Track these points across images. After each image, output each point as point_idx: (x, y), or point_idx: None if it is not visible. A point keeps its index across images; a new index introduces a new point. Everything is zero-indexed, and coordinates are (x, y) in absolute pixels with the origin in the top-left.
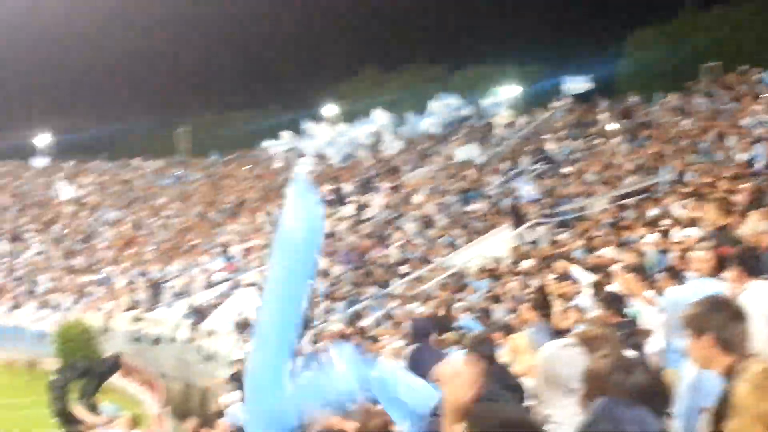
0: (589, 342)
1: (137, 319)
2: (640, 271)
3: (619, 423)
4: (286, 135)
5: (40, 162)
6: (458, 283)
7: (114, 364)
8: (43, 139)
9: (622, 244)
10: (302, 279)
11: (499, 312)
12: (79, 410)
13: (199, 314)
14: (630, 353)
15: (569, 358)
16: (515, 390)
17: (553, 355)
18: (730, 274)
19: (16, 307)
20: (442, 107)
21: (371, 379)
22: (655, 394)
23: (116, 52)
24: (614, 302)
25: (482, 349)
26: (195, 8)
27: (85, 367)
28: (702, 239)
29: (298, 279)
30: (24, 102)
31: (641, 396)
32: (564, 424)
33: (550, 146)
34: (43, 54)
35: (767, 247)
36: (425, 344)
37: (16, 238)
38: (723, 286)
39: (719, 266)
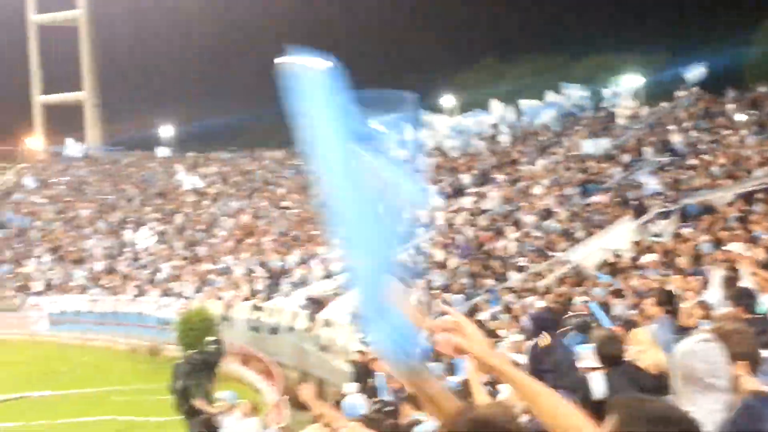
0: (725, 337)
1: (256, 308)
2: None
3: (763, 422)
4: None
5: (163, 152)
6: (578, 277)
7: (220, 351)
8: (166, 130)
9: (751, 240)
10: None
11: (619, 307)
12: (200, 403)
13: (317, 304)
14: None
15: (706, 354)
16: (643, 387)
17: (691, 350)
18: None
19: (139, 294)
20: (563, 97)
21: None
22: None
23: (239, 42)
24: (744, 298)
25: (611, 348)
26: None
27: (202, 360)
28: None
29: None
30: (149, 93)
31: None
32: (702, 420)
33: (675, 137)
34: (168, 46)
35: None
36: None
37: (139, 226)
38: None
39: None
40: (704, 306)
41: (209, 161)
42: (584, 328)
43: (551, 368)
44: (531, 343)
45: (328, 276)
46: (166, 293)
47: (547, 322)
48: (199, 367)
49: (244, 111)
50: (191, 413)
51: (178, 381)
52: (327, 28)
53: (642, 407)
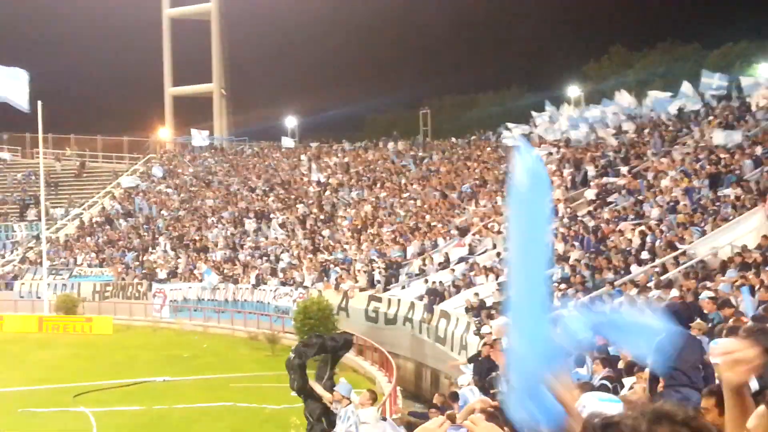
0: None
1: (374, 299)
2: None
3: None
4: (530, 117)
5: (287, 143)
6: (705, 271)
7: (346, 342)
8: (291, 121)
9: None
10: (540, 231)
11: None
12: (316, 386)
13: (435, 295)
14: None
15: None
16: None
17: None
18: None
19: (259, 283)
20: (696, 87)
21: (601, 323)
22: None
23: (360, 35)
24: None
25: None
26: None
27: (320, 344)
28: None
29: (536, 231)
30: (275, 85)
31: None
32: None
33: None
34: (294, 39)
35: None
36: (677, 328)
37: (262, 216)
38: None
39: None
40: None
41: (332, 152)
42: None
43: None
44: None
45: (447, 267)
46: (285, 282)
47: (681, 314)
48: (317, 353)
49: (367, 102)
50: (307, 394)
51: (293, 370)
52: (457, 22)
53: None
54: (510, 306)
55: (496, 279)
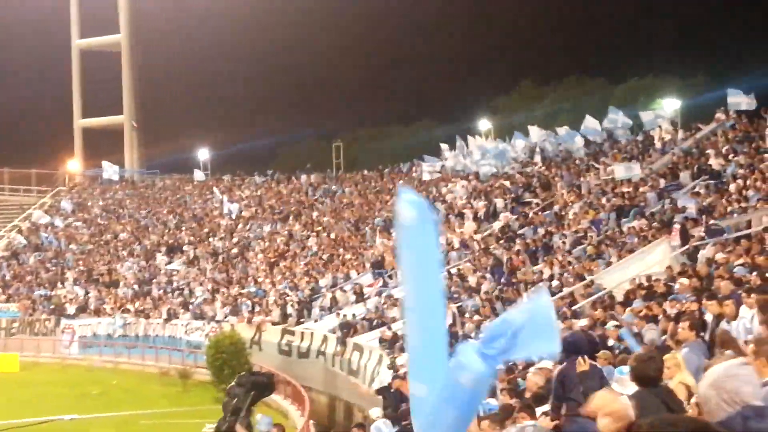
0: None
1: (287, 332)
2: None
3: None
4: (440, 150)
5: (199, 176)
6: (611, 301)
7: (269, 384)
8: (203, 154)
9: None
10: (431, 269)
11: (652, 332)
12: (240, 429)
13: (347, 328)
14: None
15: (748, 376)
16: (677, 411)
17: (734, 374)
18: None
19: (171, 317)
20: (601, 121)
21: (492, 341)
22: None
23: (274, 68)
24: None
25: (647, 369)
26: (352, 25)
27: (253, 382)
28: None
29: (430, 273)
30: (187, 117)
31: None
32: None
33: (713, 162)
34: (206, 71)
35: None
36: (575, 361)
37: (173, 250)
38: None
39: None
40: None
41: (245, 185)
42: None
43: (583, 393)
44: (560, 366)
45: (359, 300)
46: (198, 317)
47: (580, 346)
48: (254, 388)
49: (280, 135)
50: None
51: (234, 399)
52: (369, 55)
53: (674, 423)
54: (408, 349)
55: None
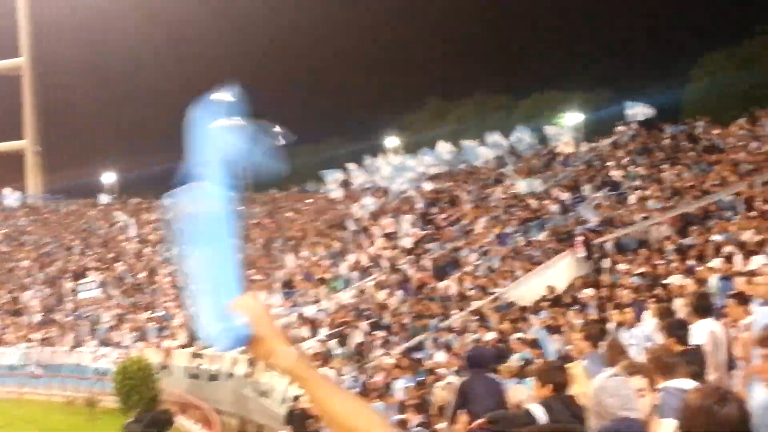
0: (633, 372)
1: (196, 355)
2: (703, 298)
3: None
4: (348, 168)
5: (105, 200)
6: (518, 314)
7: (168, 420)
8: (108, 177)
9: (686, 271)
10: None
11: (557, 342)
12: None
13: None
14: (690, 382)
15: (616, 389)
16: (580, 418)
17: (601, 386)
18: None
19: (77, 345)
20: (504, 136)
21: None
22: (745, 426)
23: (181, 89)
24: (677, 329)
25: (553, 376)
26: (259, 44)
27: (150, 418)
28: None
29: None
30: (91, 141)
31: (733, 427)
32: None
33: (614, 173)
34: (110, 94)
35: None
36: (479, 374)
37: (79, 276)
38: None
39: None
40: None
41: (152, 208)
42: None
43: (480, 407)
44: (463, 379)
45: None
46: (105, 343)
47: (484, 359)
48: (151, 425)
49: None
50: None
51: None
52: (271, 71)
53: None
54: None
55: (318, 330)
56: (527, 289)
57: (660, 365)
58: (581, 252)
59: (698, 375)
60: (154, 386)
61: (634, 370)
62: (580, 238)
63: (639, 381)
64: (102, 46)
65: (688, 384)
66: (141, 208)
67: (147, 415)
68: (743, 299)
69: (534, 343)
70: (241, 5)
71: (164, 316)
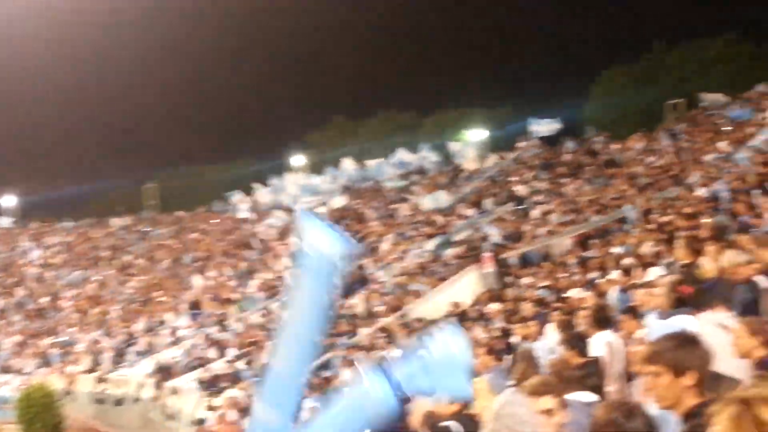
0: (542, 392)
1: (101, 380)
2: (602, 311)
3: None
4: (254, 187)
5: (5, 223)
6: (424, 329)
7: None
8: (8, 201)
9: (587, 284)
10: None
11: None
12: None
13: (163, 372)
14: (590, 395)
15: (512, 405)
16: None
17: (501, 403)
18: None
19: None
20: (410, 154)
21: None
22: None
23: (84, 109)
24: (577, 343)
25: None
26: (159, 64)
27: None
28: (662, 276)
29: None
30: None
31: None
32: None
33: (517, 188)
34: (10, 115)
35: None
36: None
37: None
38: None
39: (678, 303)
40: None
41: (54, 231)
42: None
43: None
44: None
45: (175, 343)
46: (7, 370)
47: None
48: None
49: (92, 180)
50: None
51: None
52: (183, 90)
53: None
54: (270, 373)
55: (226, 351)
56: (434, 304)
57: (561, 379)
58: (490, 267)
59: (597, 387)
60: (58, 413)
61: (543, 390)
62: (489, 254)
63: (548, 401)
64: (3, 68)
65: (590, 397)
66: (43, 232)
67: None
68: (636, 313)
69: None
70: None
71: (67, 341)
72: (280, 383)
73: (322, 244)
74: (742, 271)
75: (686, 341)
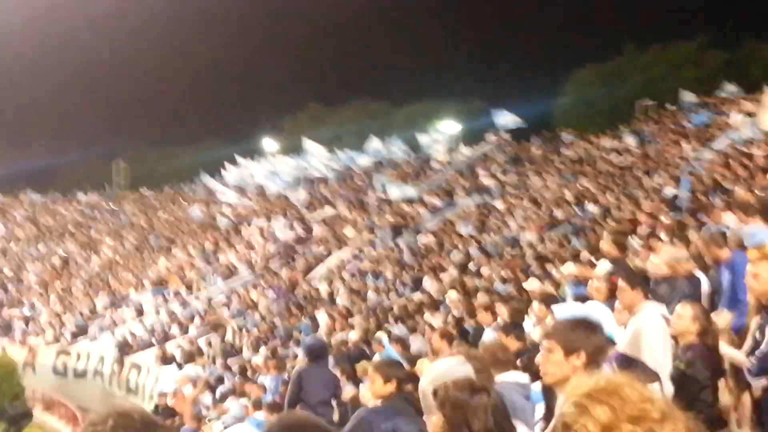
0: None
1: (62, 353)
2: (551, 300)
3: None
4: (224, 169)
5: None
6: (383, 314)
7: (27, 412)
8: None
9: (544, 276)
10: None
11: (418, 342)
12: None
13: (125, 347)
14: (524, 375)
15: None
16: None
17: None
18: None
19: None
20: (380, 143)
21: None
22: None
23: (54, 85)
24: (514, 329)
25: (393, 372)
26: (134, 42)
27: (8, 418)
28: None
29: None
30: None
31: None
32: None
33: (484, 181)
34: None
35: (668, 276)
36: (317, 365)
37: None
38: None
39: (612, 294)
40: None
41: (19, 203)
42: None
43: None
44: (298, 367)
45: (137, 318)
46: None
47: (320, 351)
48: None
49: (60, 154)
50: None
51: None
52: (151, 72)
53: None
54: None
55: (188, 329)
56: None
57: (494, 360)
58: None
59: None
60: (18, 384)
61: (469, 358)
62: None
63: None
64: None
65: (522, 377)
66: (6, 205)
67: (5, 414)
68: (548, 302)
69: (401, 342)
70: (110, 11)
71: (30, 314)
72: None
73: None
74: (685, 266)
75: (582, 325)
